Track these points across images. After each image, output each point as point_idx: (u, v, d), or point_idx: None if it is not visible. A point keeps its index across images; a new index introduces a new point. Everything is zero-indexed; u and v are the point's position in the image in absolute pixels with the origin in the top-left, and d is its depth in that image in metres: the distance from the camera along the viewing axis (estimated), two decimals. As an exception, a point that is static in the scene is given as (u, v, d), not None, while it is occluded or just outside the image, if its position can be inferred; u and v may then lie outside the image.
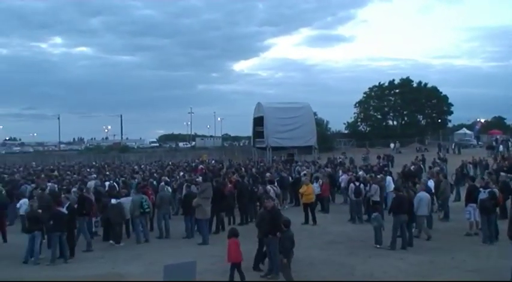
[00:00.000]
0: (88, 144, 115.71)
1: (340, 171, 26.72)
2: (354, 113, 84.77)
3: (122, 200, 16.43)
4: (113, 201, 16.15)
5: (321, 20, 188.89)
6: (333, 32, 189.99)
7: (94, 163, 52.57)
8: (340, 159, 41.38)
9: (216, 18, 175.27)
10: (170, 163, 44.66)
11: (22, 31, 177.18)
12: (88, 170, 37.16)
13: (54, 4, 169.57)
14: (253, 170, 29.90)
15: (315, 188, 20.24)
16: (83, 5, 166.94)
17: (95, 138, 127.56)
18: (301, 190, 19.43)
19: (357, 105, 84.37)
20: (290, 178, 24.88)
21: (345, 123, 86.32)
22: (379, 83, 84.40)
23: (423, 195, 15.51)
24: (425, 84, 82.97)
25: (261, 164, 38.90)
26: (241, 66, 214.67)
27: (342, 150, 59.61)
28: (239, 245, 10.77)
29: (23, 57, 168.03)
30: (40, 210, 14.03)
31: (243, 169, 29.20)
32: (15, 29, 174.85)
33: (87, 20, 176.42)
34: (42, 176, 28.95)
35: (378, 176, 20.96)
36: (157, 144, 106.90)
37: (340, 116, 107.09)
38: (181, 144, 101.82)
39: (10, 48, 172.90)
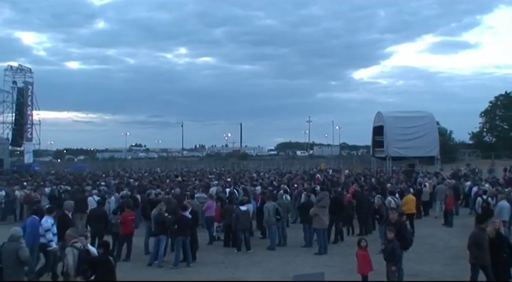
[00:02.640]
0: (209, 151, 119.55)
1: (470, 183, 25.50)
2: (480, 123, 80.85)
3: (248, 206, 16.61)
4: (243, 208, 16.16)
5: (445, 26, 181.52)
6: (457, 38, 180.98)
7: (214, 170, 54.32)
8: (465, 171, 39.53)
9: (336, 27, 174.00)
10: (291, 171, 44.97)
11: (149, 42, 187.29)
12: (209, 176, 38.43)
13: (180, 16, 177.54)
14: (373, 179, 29.31)
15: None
16: (207, 16, 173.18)
17: (215, 146, 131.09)
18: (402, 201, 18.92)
19: (483, 114, 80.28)
20: (411, 189, 24.05)
21: (469, 134, 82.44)
22: (506, 91, 79.57)
23: (504, 204, 15.98)
24: (554, 93, 77.15)
25: (381, 174, 38.09)
26: (360, 74, 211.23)
27: (465, 161, 56.92)
28: (366, 256, 10.67)
29: (149, 67, 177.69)
30: (167, 214, 14.62)
31: (362, 179, 28.73)
32: (143, 40, 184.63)
33: (211, 31, 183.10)
34: (167, 181, 30.19)
35: (506, 190, 19.92)
36: (276, 152, 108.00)
37: (464, 126, 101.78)
38: (299, 152, 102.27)
39: (137, 59, 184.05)
